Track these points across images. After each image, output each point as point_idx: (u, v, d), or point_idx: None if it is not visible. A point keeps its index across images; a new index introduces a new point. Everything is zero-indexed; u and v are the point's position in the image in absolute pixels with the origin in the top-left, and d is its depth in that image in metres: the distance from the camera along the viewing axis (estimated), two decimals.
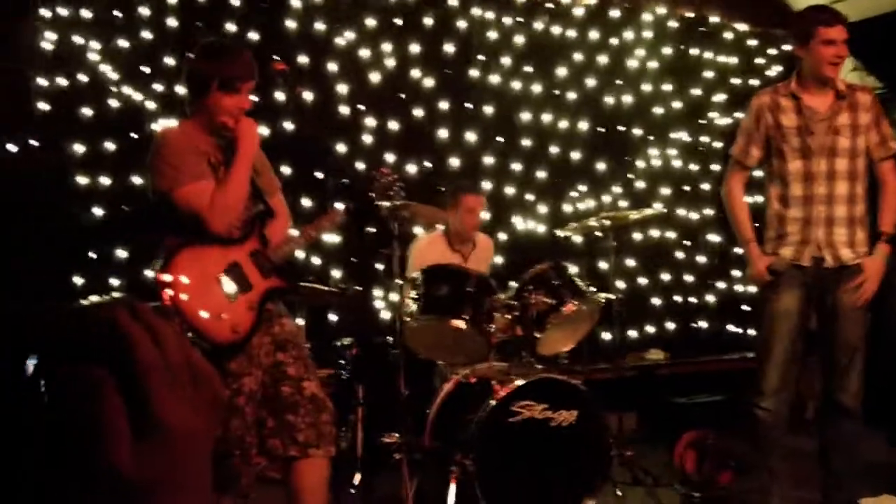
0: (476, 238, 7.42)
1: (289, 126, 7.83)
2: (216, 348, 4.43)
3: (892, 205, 5.55)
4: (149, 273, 7.02)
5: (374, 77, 8.29)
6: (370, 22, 8.31)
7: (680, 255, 9.44)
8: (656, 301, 9.28)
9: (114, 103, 7.35)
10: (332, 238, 7.93)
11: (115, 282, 7.08)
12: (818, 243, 5.52)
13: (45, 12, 7.12)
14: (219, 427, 1.02)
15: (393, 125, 8.32)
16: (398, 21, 8.44)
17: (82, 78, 7.28)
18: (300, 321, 6.26)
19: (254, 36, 7.85)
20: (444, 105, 8.54)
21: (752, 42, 9.93)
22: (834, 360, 5.58)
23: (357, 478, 6.10)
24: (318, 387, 4.91)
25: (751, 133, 5.80)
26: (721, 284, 9.55)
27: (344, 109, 8.15)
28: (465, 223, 7.21)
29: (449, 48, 8.62)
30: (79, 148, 7.18)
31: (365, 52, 8.28)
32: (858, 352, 5.49)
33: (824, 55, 5.50)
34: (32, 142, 6.86)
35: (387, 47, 8.36)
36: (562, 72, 9.05)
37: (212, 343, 4.42)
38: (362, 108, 8.23)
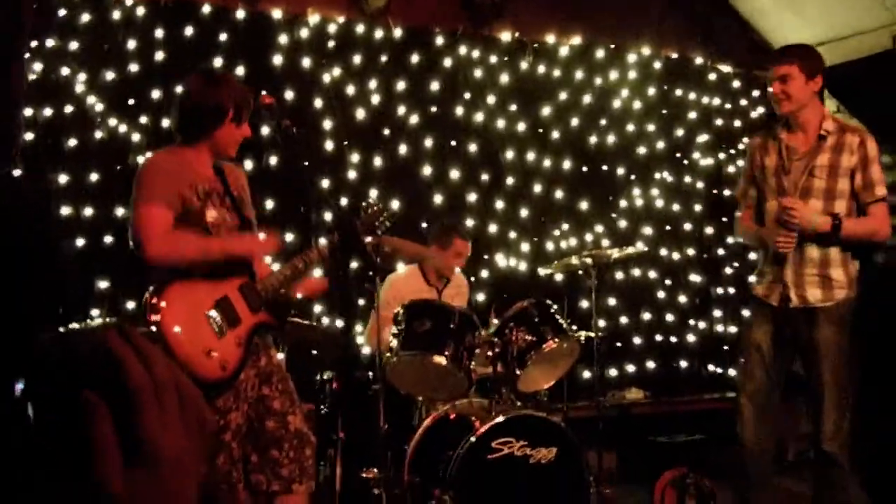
0: (450, 276, 7.44)
1: (273, 160, 7.85)
2: (203, 386, 4.34)
3: (863, 220, 5.53)
4: (130, 304, 7.05)
5: (360, 113, 8.33)
6: (356, 59, 8.36)
7: (661, 294, 9.46)
8: (637, 340, 9.29)
9: (99, 135, 7.37)
10: (314, 272, 7.93)
11: (95, 312, 7.08)
12: (786, 282, 5.53)
13: (32, 43, 7.15)
14: (207, 451, 1.04)
15: (378, 161, 8.35)
16: (384, 58, 8.49)
17: (68, 109, 7.30)
18: (280, 355, 6.26)
19: (240, 70, 7.88)
20: (428, 142, 8.59)
21: (736, 83, 9.99)
22: (809, 401, 5.60)
23: None
24: (302, 420, 4.91)
25: (746, 174, 5.91)
26: (702, 324, 9.57)
27: (329, 145, 8.18)
28: (450, 264, 7.23)
29: (434, 86, 8.67)
30: (63, 178, 7.20)
31: (351, 89, 8.32)
32: (830, 392, 5.44)
33: (770, 95, 5.60)
34: (16, 171, 6.86)
35: (373, 84, 8.41)
36: (546, 111, 9.10)
37: (199, 380, 4.33)
38: (347, 143, 8.26)
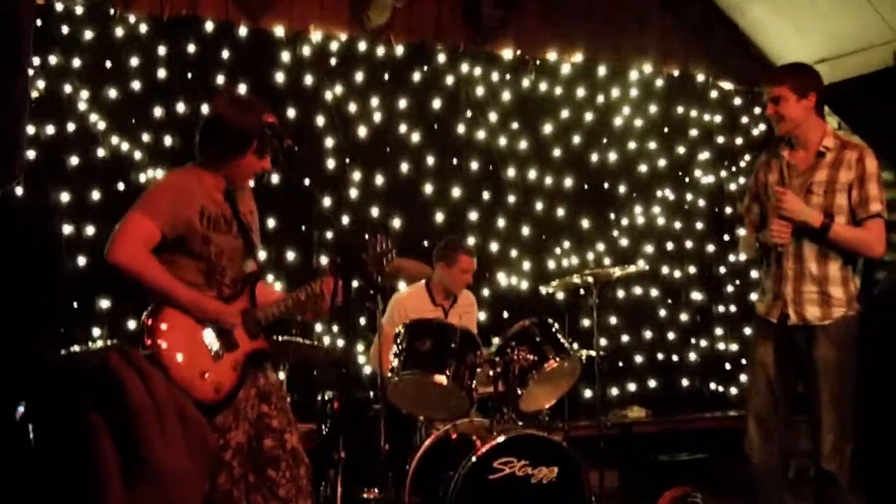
0: (459, 294, 7.43)
1: (275, 178, 7.86)
2: (197, 407, 4.35)
3: (855, 229, 5.49)
4: (131, 324, 7.05)
5: (362, 131, 8.34)
6: (358, 76, 8.37)
7: (662, 312, 9.45)
8: (638, 358, 9.27)
9: (101, 152, 7.38)
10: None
11: (96, 331, 7.08)
12: (786, 300, 5.53)
13: (34, 60, 7.15)
14: (209, 470, 1.04)
15: (379, 179, 8.36)
16: (386, 75, 8.50)
17: (70, 126, 7.31)
18: (282, 375, 6.26)
19: (243, 87, 7.90)
20: (430, 160, 8.59)
21: (738, 101, 9.99)
22: (808, 419, 5.59)
23: None
24: (298, 440, 4.91)
25: (751, 191, 5.95)
26: (703, 342, 9.56)
27: (331, 163, 8.19)
28: (456, 281, 7.20)
29: (436, 103, 8.68)
30: (65, 196, 7.20)
31: (353, 106, 8.33)
32: (828, 411, 5.42)
33: (768, 113, 5.63)
34: (17, 189, 6.86)
35: (374, 101, 8.42)
36: (548, 128, 9.10)
37: (193, 402, 4.33)
38: (349, 161, 8.26)
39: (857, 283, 5.63)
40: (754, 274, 9.31)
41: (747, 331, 8.87)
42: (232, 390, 4.60)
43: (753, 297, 6.04)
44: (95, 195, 7.33)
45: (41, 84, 7.26)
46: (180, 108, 7.68)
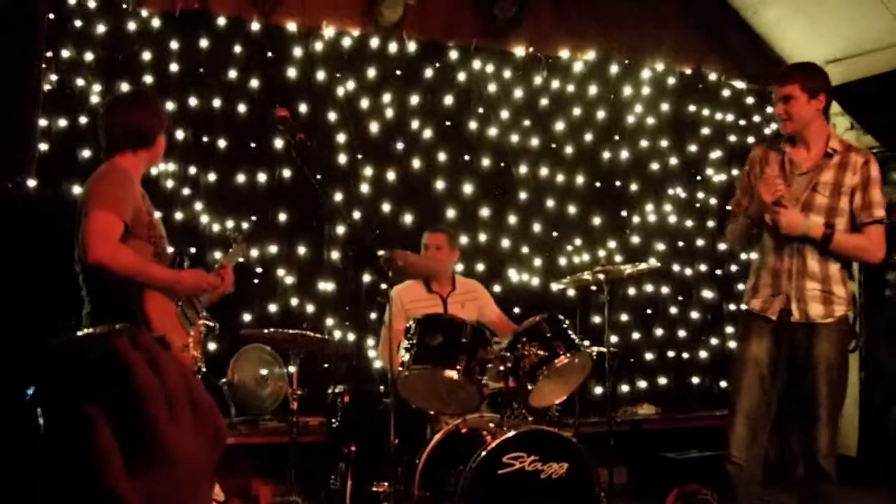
0: (456, 280, 7.43)
1: (287, 173, 7.88)
2: None
3: (856, 237, 5.51)
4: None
5: (374, 127, 8.35)
6: (371, 72, 8.38)
7: (673, 310, 9.45)
8: (649, 355, 9.27)
9: None
10: (326, 286, 7.95)
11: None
12: (787, 296, 5.51)
13: (47, 53, 7.17)
14: (219, 458, 1.04)
15: (391, 175, 8.37)
16: (398, 72, 8.51)
17: (83, 119, 7.33)
18: (292, 368, 6.28)
19: (255, 83, 7.92)
20: (442, 156, 8.60)
21: (750, 99, 9.97)
22: (802, 417, 5.58)
23: None
24: None
25: (742, 184, 5.91)
26: (714, 340, 9.54)
27: (343, 158, 8.20)
28: (429, 260, 7.16)
29: (448, 100, 8.68)
30: (77, 189, 7.22)
31: (365, 102, 8.34)
32: (823, 407, 5.45)
33: (775, 113, 5.64)
34: (31, 182, 6.88)
35: (386, 98, 8.43)
36: (560, 126, 9.10)
37: None
38: (361, 157, 8.27)
39: (853, 284, 5.65)
40: None
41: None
42: (202, 364, 4.92)
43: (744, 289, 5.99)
44: None
45: (53, 77, 7.27)
46: (192, 102, 7.70)
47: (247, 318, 7.70)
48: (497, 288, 8.53)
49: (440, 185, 8.57)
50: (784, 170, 5.62)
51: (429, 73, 8.63)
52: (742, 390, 5.68)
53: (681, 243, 9.52)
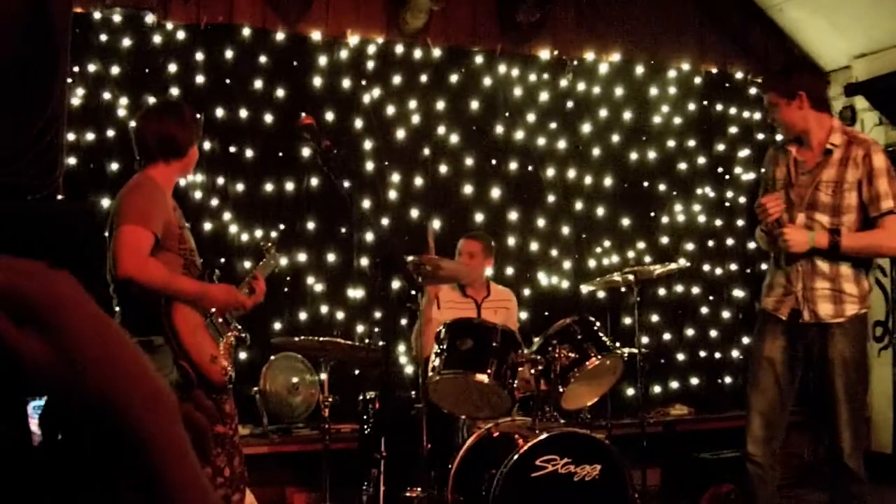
0: (491, 286, 7.43)
1: (314, 181, 7.91)
2: (214, 389, 4.73)
3: (865, 235, 5.45)
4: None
5: (400, 133, 8.37)
6: (396, 79, 8.40)
7: (704, 310, 9.42)
8: (680, 356, 9.24)
9: None
10: (356, 293, 7.98)
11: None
12: (797, 296, 5.48)
13: (73, 68, 7.22)
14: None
15: (418, 181, 8.39)
16: (423, 78, 8.53)
17: (110, 133, 7.38)
18: (323, 375, 6.31)
19: (281, 93, 7.96)
20: (469, 161, 8.61)
21: None
22: (824, 417, 5.55)
23: None
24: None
25: (761, 184, 5.94)
26: (746, 340, 9.49)
27: (370, 165, 8.22)
28: (463, 267, 7.16)
29: (474, 105, 8.70)
30: (105, 203, 7.26)
31: (391, 109, 8.37)
32: (843, 406, 5.40)
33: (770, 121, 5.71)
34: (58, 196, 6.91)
35: (412, 104, 8.45)
36: (586, 128, 9.10)
37: (212, 384, 4.69)
38: (388, 164, 8.30)
39: (870, 281, 5.59)
40: None
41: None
42: (232, 374, 4.90)
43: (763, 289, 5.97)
44: None
45: (80, 91, 7.33)
46: (219, 113, 7.74)
47: (277, 326, 7.74)
48: (527, 291, 8.54)
49: (468, 189, 8.57)
50: (790, 170, 5.60)
51: (454, 78, 8.64)
52: (758, 389, 5.66)
53: (710, 243, 9.49)
